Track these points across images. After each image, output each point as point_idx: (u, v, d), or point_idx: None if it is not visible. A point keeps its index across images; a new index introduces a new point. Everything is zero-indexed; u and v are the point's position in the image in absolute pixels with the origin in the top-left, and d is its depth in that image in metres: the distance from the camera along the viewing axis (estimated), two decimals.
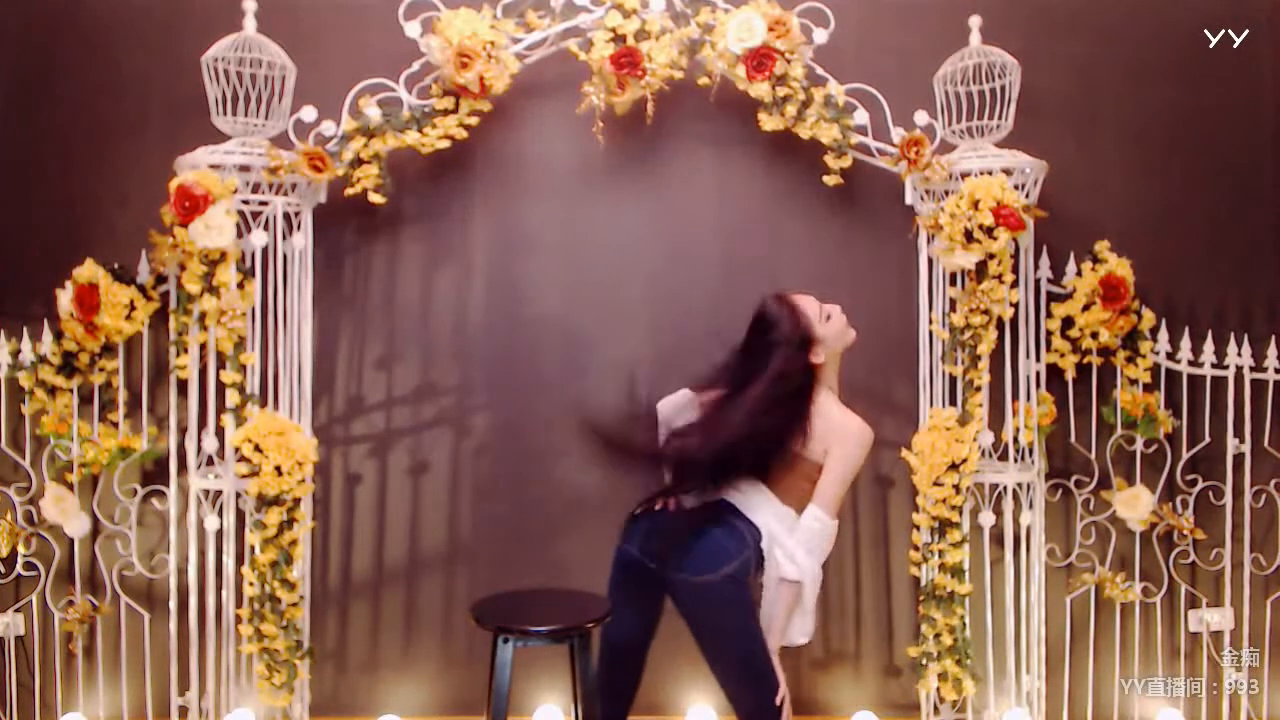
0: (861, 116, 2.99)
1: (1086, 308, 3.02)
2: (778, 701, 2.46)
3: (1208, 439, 3.08)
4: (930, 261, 3.04)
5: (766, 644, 2.47)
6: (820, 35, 2.97)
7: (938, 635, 2.98)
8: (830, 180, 3.01)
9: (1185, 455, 3.11)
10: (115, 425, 3.06)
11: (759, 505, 2.53)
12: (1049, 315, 3.08)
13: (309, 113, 2.95)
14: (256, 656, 2.90)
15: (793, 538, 2.47)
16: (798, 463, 2.51)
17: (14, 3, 3.18)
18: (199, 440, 2.94)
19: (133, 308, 2.97)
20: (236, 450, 2.85)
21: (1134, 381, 3.10)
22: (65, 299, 2.94)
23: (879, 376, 3.23)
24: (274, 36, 2.91)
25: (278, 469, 2.80)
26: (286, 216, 2.98)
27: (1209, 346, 3.06)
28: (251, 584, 2.88)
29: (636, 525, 2.57)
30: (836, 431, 2.48)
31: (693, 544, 2.44)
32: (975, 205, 2.81)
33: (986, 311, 2.91)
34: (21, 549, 3.04)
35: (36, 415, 3.05)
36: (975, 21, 2.98)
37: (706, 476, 2.55)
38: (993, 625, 3.06)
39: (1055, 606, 3.17)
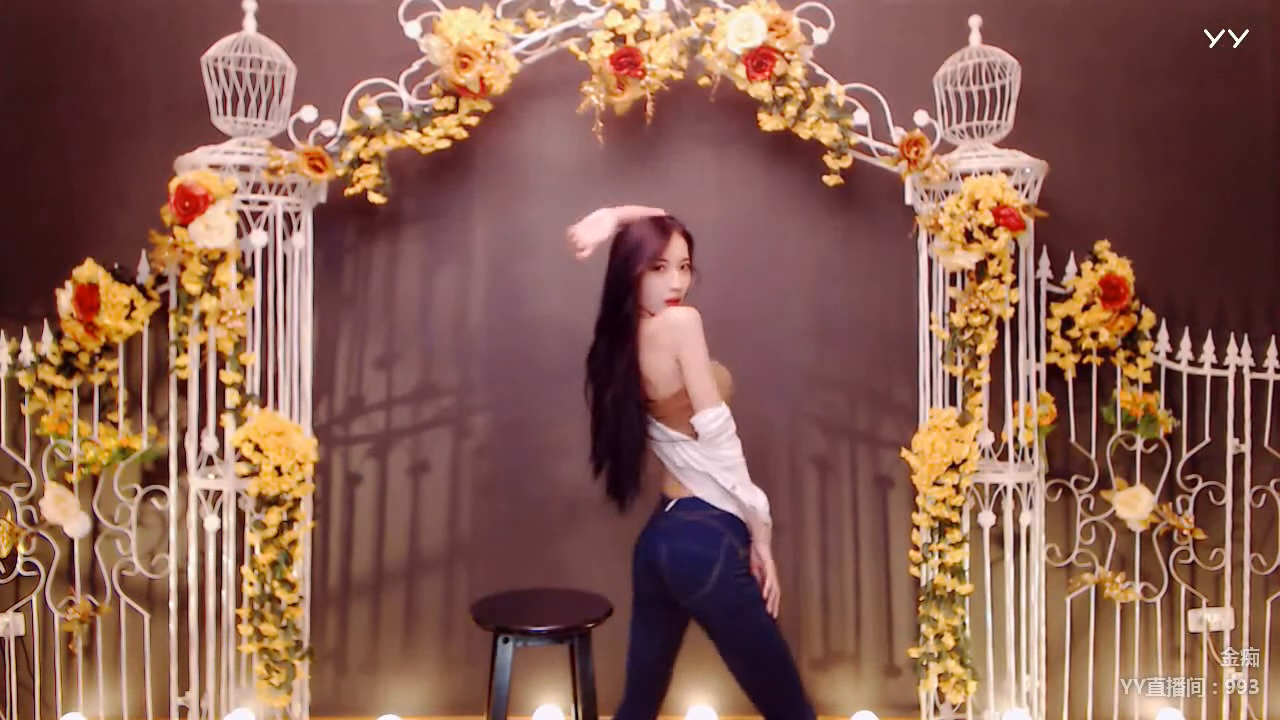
0: (861, 116, 2.99)
1: (1086, 308, 3.02)
2: (765, 594, 2.37)
3: (1208, 439, 3.08)
4: (930, 261, 3.04)
5: (783, 640, 2.40)
6: (820, 35, 2.97)
7: (939, 635, 2.98)
8: (830, 180, 3.01)
9: (1185, 455, 3.11)
10: (115, 425, 3.06)
11: (697, 466, 2.35)
12: (1049, 315, 3.08)
13: (309, 113, 2.96)
14: (256, 656, 2.90)
15: (708, 454, 2.33)
16: (673, 401, 2.36)
17: (14, 3, 3.18)
18: (199, 440, 2.93)
19: (133, 308, 2.97)
20: (236, 450, 2.85)
21: (1134, 381, 3.10)
22: (65, 299, 2.94)
23: (879, 376, 3.23)
24: (274, 36, 2.91)
25: (278, 469, 2.80)
26: (286, 216, 2.98)
27: (1209, 346, 3.06)
28: (251, 584, 2.88)
29: (635, 554, 2.48)
30: (668, 334, 2.31)
31: (673, 565, 2.35)
32: (975, 205, 2.81)
33: (986, 311, 2.91)
34: (21, 549, 3.04)
35: (36, 415, 3.05)
36: (975, 21, 2.98)
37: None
38: (993, 625, 3.06)
39: (1055, 606, 3.17)
